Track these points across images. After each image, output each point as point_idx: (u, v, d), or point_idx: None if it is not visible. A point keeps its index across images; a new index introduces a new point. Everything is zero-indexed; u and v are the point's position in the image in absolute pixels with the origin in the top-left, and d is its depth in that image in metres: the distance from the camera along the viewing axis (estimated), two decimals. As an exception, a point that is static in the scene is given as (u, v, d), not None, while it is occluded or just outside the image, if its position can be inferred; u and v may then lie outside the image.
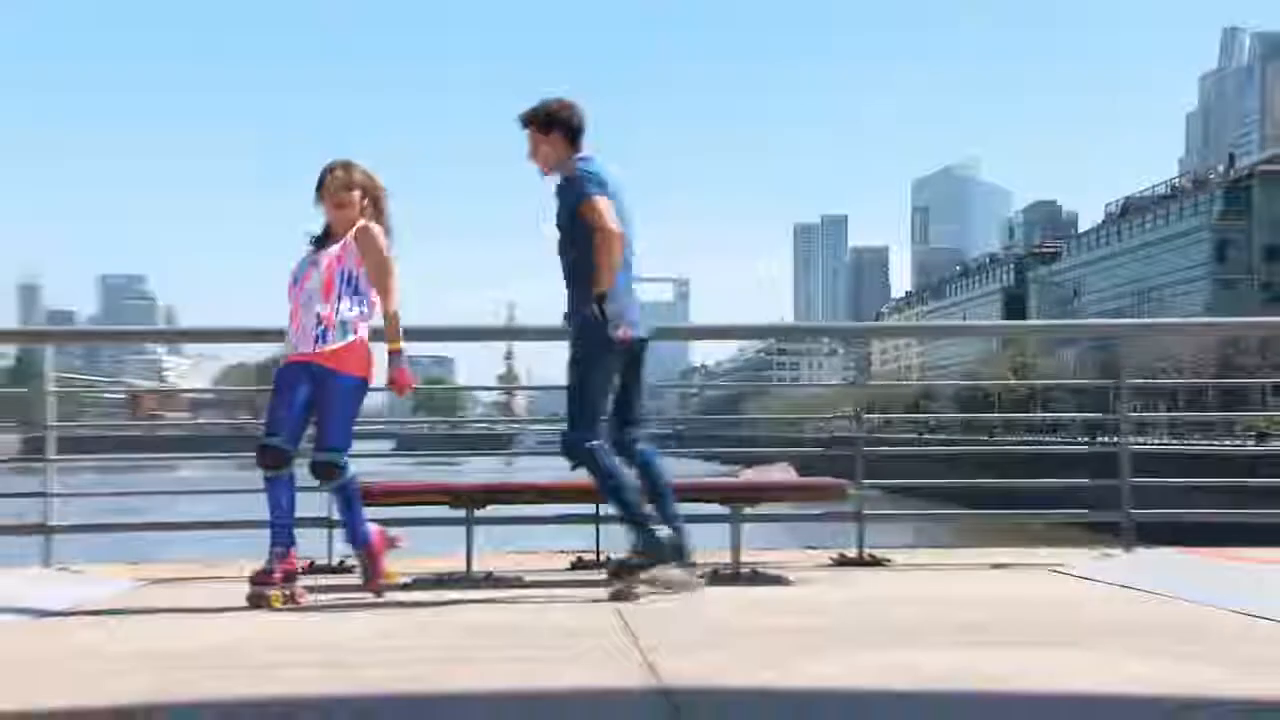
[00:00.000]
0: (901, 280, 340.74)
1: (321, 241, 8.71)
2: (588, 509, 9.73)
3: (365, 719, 5.50)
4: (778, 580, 9.24)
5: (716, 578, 9.15)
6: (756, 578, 9.30)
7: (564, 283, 8.80)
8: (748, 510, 9.73)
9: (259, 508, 9.20)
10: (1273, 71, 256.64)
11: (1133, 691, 5.64)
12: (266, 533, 8.87)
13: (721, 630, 7.24)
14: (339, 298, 8.44)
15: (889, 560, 10.36)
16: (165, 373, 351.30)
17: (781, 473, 9.94)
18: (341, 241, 8.54)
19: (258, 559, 8.88)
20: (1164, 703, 5.40)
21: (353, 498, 8.48)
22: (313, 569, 9.65)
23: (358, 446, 9.19)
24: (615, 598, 8.22)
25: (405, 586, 8.93)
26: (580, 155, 8.80)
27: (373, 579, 8.49)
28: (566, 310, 8.83)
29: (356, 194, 8.67)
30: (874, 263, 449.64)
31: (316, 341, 8.43)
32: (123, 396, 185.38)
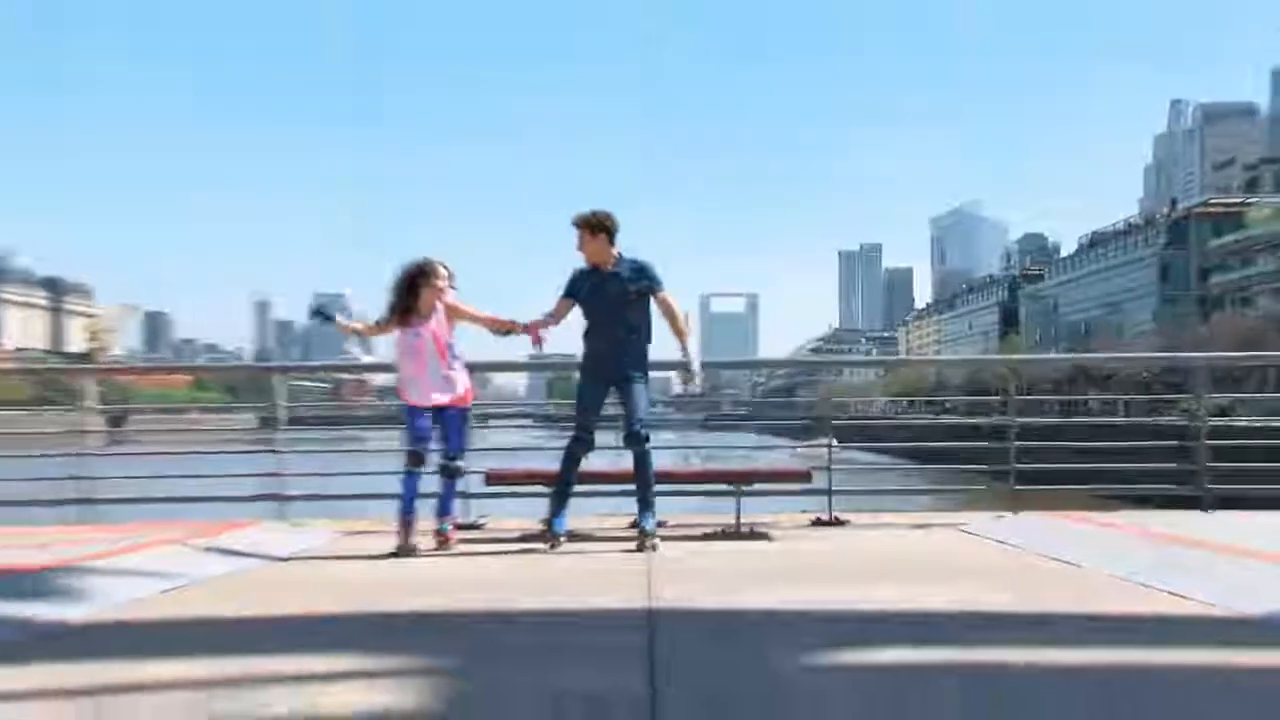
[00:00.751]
0: (923, 295, 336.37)
1: (404, 313, 9.33)
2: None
3: (506, 617, 6.21)
4: (764, 536, 9.76)
5: (723, 534, 9.84)
6: (750, 535, 9.85)
7: (624, 332, 9.34)
8: (744, 488, 10.16)
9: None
10: (1209, 134, 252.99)
11: (959, 609, 6.25)
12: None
13: (705, 571, 7.88)
14: (452, 358, 9.27)
15: (848, 521, 10.76)
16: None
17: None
18: (434, 318, 9.25)
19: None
20: (973, 616, 6.01)
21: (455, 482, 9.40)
22: (460, 527, 10.01)
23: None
24: (640, 549, 8.85)
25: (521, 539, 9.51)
26: (618, 251, 9.46)
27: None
28: (623, 350, 9.37)
29: (443, 282, 9.37)
30: (902, 281, 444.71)
31: (449, 391, 9.23)
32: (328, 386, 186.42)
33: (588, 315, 9.48)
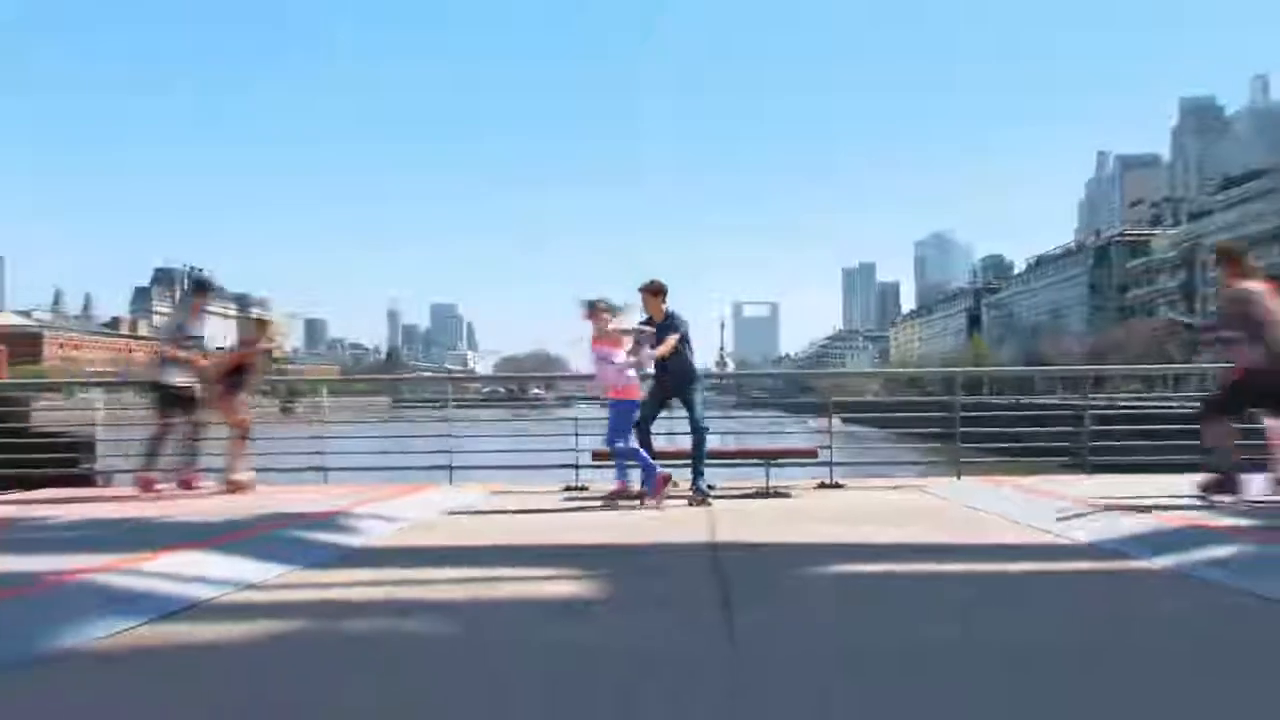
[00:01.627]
0: (908, 303, 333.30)
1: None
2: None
3: (627, 548, 6.85)
4: (786, 495, 10.33)
5: (757, 494, 10.37)
6: (776, 494, 10.39)
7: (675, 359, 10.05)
8: (771, 462, 10.74)
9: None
10: (1126, 179, 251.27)
11: (909, 541, 7.08)
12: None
13: (746, 517, 8.64)
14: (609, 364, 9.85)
15: (844, 485, 11.26)
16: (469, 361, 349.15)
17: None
18: (598, 336, 9.90)
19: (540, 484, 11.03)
20: (918, 545, 6.84)
21: (633, 457, 9.73)
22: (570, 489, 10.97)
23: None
24: (694, 504, 9.53)
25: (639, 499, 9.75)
26: (668, 308, 10.25)
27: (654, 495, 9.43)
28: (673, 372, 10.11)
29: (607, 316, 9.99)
30: (891, 292, 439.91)
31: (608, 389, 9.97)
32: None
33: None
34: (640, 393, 10.22)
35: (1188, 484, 8.61)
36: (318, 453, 12.51)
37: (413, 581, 5.68)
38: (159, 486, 10.21)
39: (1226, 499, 8.15)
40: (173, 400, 10.40)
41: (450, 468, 11.98)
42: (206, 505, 9.04)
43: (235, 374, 10.78)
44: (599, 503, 9.83)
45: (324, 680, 3.59)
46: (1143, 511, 7.54)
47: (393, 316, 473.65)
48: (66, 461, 12.15)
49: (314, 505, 8.81)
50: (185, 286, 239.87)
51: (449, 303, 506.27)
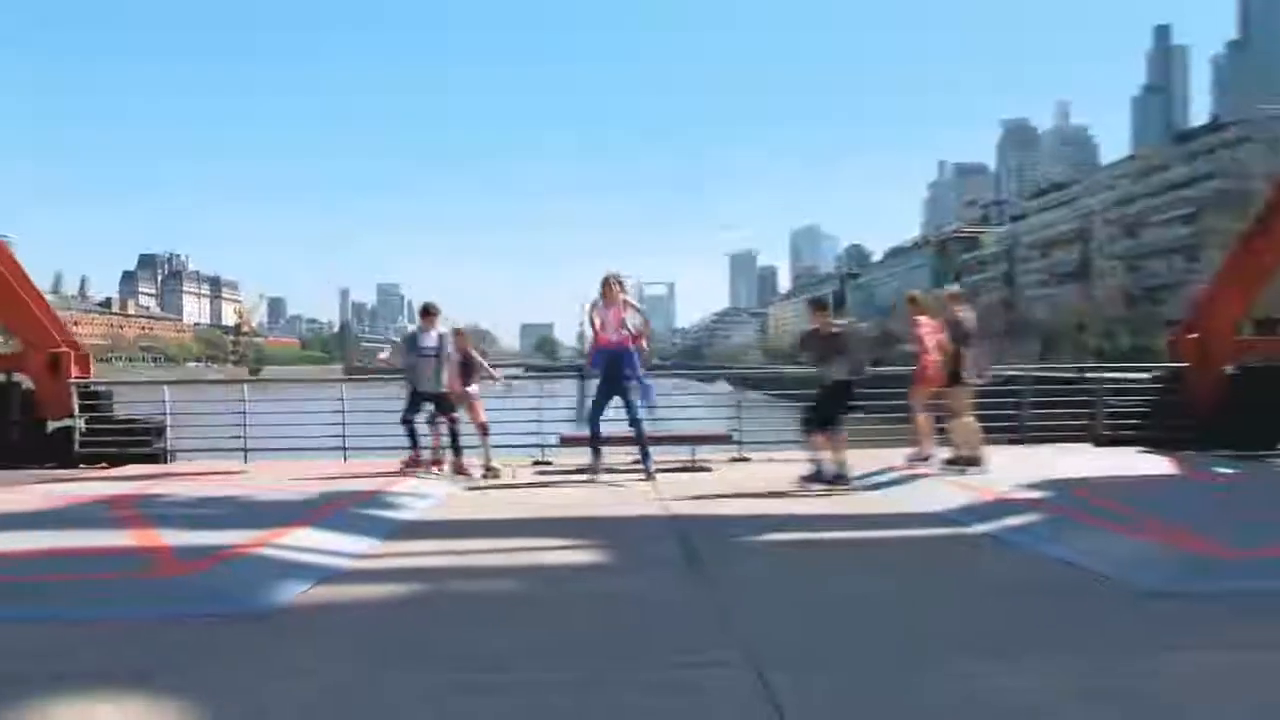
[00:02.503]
0: (785, 285, 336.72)
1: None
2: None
3: (590, 522, 7.68)
4: (707, 469, 11.19)
5: (684, 469, 11.18)
6: (700, 468, 11.24)
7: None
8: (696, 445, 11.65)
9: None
10: (962, 182, 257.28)
11: (803, 512, 8.13)
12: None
13: (685, 488, 9.48)
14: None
15: (750, 459, 12.00)
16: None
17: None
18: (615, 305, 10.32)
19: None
20: (811, 514, 7.93)
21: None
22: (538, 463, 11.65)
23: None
24: (646, 479, 10.09)
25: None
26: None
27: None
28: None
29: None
30: (769, 275, 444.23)
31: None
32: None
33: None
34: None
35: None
36: (339, 436, 12.90)
37: (469, 551, 6.66)
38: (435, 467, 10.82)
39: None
40: (420, 401, 10.68)
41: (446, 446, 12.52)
42: (270, 485, 9.67)
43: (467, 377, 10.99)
44: (578, 476, 10.51)
45: (455, 627, 4.65)
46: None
47: (343, 295, 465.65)
48: (142, 443, 12.85)
49: (356, 485, 9.39)
50: (165, 270, 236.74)
51: (393, 282, 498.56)
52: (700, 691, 3.69)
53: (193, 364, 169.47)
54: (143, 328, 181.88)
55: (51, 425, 12.82)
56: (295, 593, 5.21)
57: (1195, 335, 13.28)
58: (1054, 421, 13.51)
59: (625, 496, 9.26)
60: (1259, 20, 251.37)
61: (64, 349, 13.04)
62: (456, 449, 10.77)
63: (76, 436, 12.77)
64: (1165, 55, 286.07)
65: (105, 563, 5.68)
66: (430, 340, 10.63)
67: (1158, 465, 10.43)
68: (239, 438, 12.80)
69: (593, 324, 10.61)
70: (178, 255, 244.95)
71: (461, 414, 10.90)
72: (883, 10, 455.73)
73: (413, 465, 10.56)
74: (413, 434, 10.64)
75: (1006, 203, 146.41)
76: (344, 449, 12.77)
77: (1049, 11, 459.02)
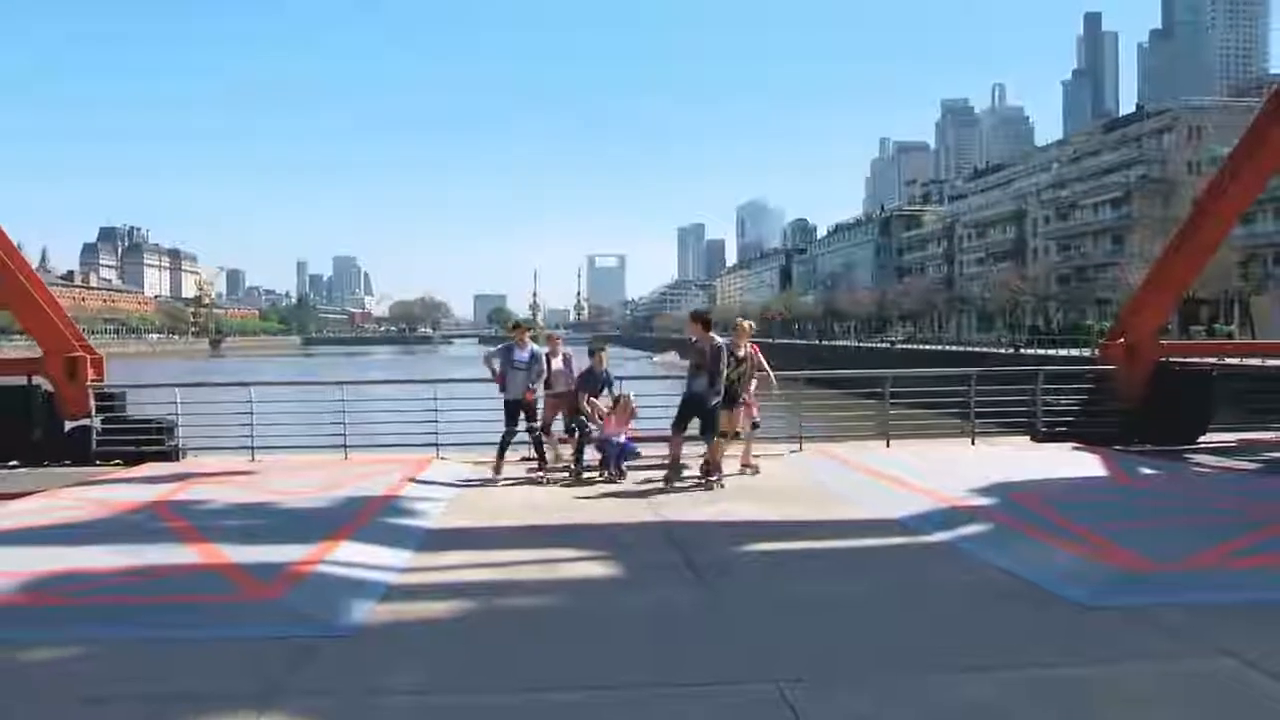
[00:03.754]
0: (731, 258, 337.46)
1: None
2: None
3: (566, 528, 8.18)
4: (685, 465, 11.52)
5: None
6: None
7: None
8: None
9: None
10: (903, 161, 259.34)
11: (780, 518, 8.75)
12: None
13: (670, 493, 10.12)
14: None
15: None
16: (365, 305, 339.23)
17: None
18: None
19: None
20: (788, 521, 8.71)
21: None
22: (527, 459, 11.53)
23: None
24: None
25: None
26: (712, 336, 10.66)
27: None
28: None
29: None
30: (717, 248, 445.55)
31: None
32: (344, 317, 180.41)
33: None
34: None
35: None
36: (340, 435, 13.21)
37: (498, 564, 7.22)
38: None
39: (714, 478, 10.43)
40: (514, 409, 11.22)
41: (437, 445, 12.96)
42: (292, 489, 10.06)
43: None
44: (565, 475, 10.96)
45: (513, 639, 5.30)
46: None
47: (301, 267, 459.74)
48: (155, 441, 13.28)
49: (368, 487, 9.83)
50: (125, 243, 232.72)
51: (349, 255, 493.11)
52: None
53: (154, 336, 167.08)
54: (105, 300, 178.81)
55: (69, 425, 13.23)
56: (365, 610, 5.78)
57: (1123, 340, 14.22)
58: (998, 411, 14.41)
59: (618, 498, 9.97)
60: (1181, 11, 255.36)
61: (80, 353, 13.41)
62: (541, 457, 11.31)
63: (94, 436, 13.16)
64: (1095, 41, 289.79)
65: (185, 582, 6.18)
66: (523, 355, 11.25)
67: (1089, 465, 11.29)
68: (247, 435, 13.24)
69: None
70: (138, 229, 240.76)
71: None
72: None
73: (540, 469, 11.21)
74: (539, 444, 11.34)
75: (946, 182, 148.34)
76: (345, 446, 13.18)
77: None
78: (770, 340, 71.46)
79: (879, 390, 14.38)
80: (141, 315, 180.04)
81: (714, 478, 10.53)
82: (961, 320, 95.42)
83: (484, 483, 10.88)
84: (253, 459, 12.85)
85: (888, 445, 13.25)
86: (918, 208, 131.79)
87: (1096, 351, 15.44)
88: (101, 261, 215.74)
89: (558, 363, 11.69)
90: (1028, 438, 13.88)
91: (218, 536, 7.51)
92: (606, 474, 10.92)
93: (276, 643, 5.16)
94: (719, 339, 10.83)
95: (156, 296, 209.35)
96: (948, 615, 5.75)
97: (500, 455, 11.43)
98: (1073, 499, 9.00)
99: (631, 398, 11.54)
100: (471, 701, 4.47)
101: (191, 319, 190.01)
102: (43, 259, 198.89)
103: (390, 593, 6.25)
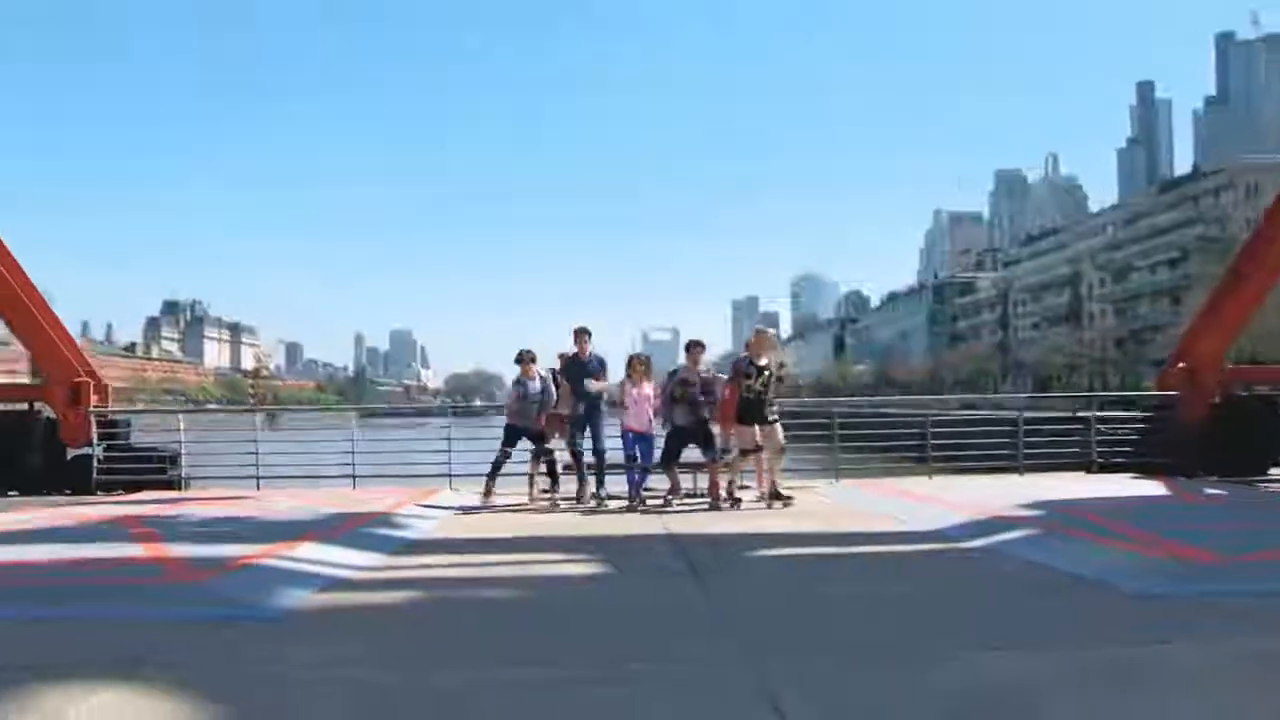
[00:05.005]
0: (785, 329, 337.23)
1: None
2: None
3: (564, 541, 7.53)
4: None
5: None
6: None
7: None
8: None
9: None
10: (955, 231, 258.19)
11: (807, 530, 8.11)
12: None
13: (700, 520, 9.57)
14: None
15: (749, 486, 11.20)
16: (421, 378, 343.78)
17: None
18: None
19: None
20: (802, 534, 7.91)
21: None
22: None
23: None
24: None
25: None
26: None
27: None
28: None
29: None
30: (771, 321, 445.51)
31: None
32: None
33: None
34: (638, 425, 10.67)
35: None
36: (349, 465, 12.88)
37: (472, 564, 6.57)
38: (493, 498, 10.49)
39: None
40: (513, 433, 10.61)
41: (450, 475, 12.38)
42: (281, 509, 9.55)
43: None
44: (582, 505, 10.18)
45: (462, 627, 4.58)
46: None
47: (358, 340, 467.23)
48: (158, 470, 12.78)
49: (365, 508, 9.33)
50: (188, 317, 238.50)
51: (405, 328, 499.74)
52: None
53: (212, 405, 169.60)
54: (165, 371, 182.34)
55: (71, 453, 12.76)
56: (299, 598, 5.10)
57: (1183, 366, 13.23)
58: (1050, 450, 13.43)
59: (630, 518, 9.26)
60: (1236, 78, 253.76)
61: (84, 379, 13.00)
62: (554, 479, 10.80)
63: (95, 464, 12.69)
64: (1149, 109, 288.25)
65: (112, 571, 5.64)
66: (535, 386, 10.64)
67: (1148, 488, 10.36)
68: (252, 465, 12.76)
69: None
70: (199, 302, 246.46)
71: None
72: (878, 66, 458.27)
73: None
74: (551, 467, 10.79)
75: (1000, 251, 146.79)
76: (354, 476, 12.70)
77: (1039, 65, 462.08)
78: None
79: (919, 431, 13.60)
80: (201, 386, 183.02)
81: (727, 499, 9.85)
82: (1017, 384, 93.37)
83: (491, 509, 10.16)
84: (258, 488, 12.31)
85: (930, 479, 12.42)
86: (971, 274, 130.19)
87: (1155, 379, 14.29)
88: (164, 334, 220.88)
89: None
90: (1083, 473, 12.84)
91: (175, 538, 7.02)
92: (630, 502, 10.20)
93: (181, 623, 4.55)
94: (706, 370, 10.39)
95: (216, 368, 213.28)
96: (982, 605, 4.97)
97: (491, 478, 10.61)
98: (1128, 509, 8.10)
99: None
100: (371, 677, 3.73)
101: (249, 390, 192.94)
102: (108, 332, 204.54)
103: (338, 584, 5.61)
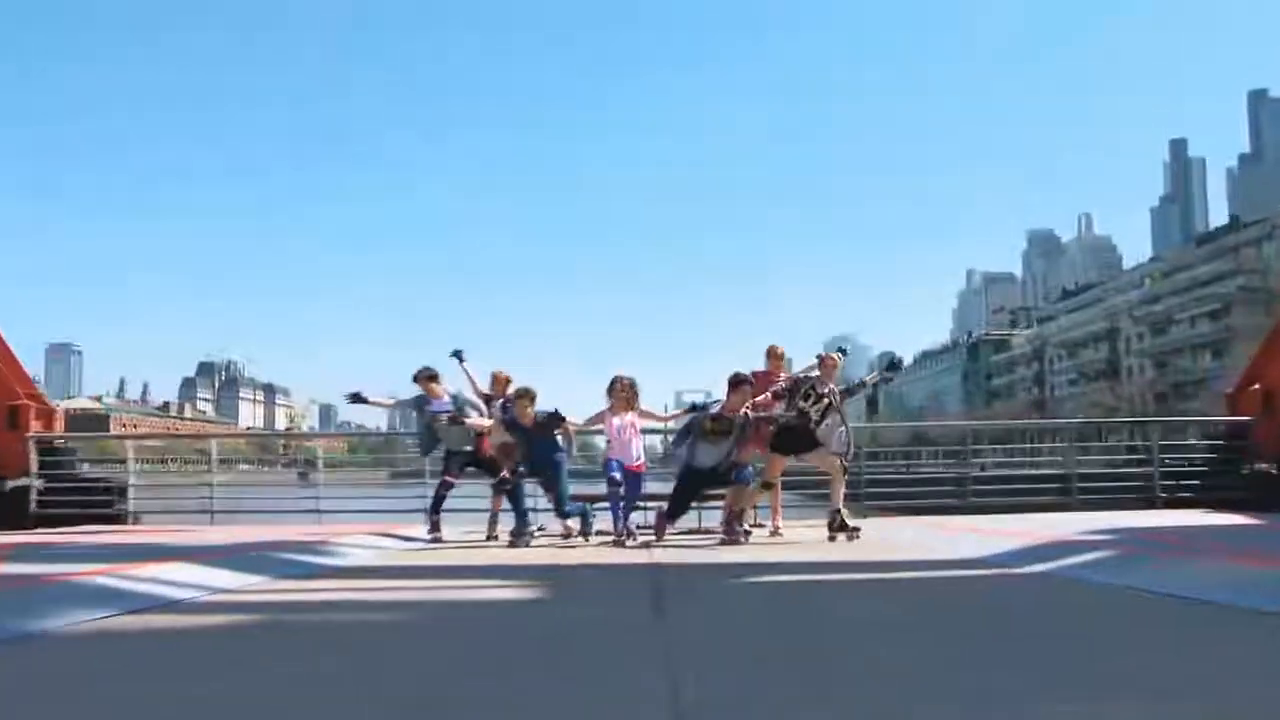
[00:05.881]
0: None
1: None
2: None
3: (512, 567, 6.34)
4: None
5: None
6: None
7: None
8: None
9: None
10: (990, 290, 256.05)
11: (835, 559, 6.69)
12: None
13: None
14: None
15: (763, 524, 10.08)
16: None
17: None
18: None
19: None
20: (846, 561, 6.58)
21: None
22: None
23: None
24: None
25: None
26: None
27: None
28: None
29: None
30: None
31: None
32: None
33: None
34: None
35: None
36: (313, 498, 12.02)
37: (382, 589, 5.22)
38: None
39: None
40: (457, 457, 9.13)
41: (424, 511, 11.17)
42: (213, 537, 8.31)
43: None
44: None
45: (295, 652, 3.10)
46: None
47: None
48: (104, 503, 11.50)
49: (302, 536, 8.13)
50: (223, 377, 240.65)
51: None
52: None
53: (244, 466, 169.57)
54: (199, 431, 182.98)
55: (8, 484, 11.40)
56: (74, 620, 3.64)
57: (1257, 386, 11.60)
58: (1104, 484, 11.80)
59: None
60: (1269, 134, 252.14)
61: (25, 402, 11.69)
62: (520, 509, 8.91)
63: (33, 496, 11.33)
64: (1182, 166, 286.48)
65: None
66: (441, 403, 9.07)
67: (1231, 519, 8.76)
68: (206, 498, 11.48)
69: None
70: (235, 362, 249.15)
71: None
72: (912, 127, 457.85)
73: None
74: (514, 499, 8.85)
75: (1034, 309, 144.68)
76: (318, 511, 11.51)
77: (1070, 126, 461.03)
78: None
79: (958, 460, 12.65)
80: (234, 446, 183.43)
81: (740, 529, 8.31)
82: (1057, 441, 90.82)
83: (455, 544, 8.63)
84: (211, 522, 11.03)
85: (970, 515, 10.90)
86: (1006, 332, 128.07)
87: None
88: (199, 395, 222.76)
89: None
90: (1144, 508, 11.16)
91: (26, 560, 5.76)
92: (616, 536, 8.47)
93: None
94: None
95: (249, 428, 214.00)
96: (1054, 636, 3.34)
97: (434, 510, 9.01)
98: (1218, 532, 6.51)
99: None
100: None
101: (281, 450, 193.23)
102: (144, 392, 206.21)
103: (167, 606, 4.20)
